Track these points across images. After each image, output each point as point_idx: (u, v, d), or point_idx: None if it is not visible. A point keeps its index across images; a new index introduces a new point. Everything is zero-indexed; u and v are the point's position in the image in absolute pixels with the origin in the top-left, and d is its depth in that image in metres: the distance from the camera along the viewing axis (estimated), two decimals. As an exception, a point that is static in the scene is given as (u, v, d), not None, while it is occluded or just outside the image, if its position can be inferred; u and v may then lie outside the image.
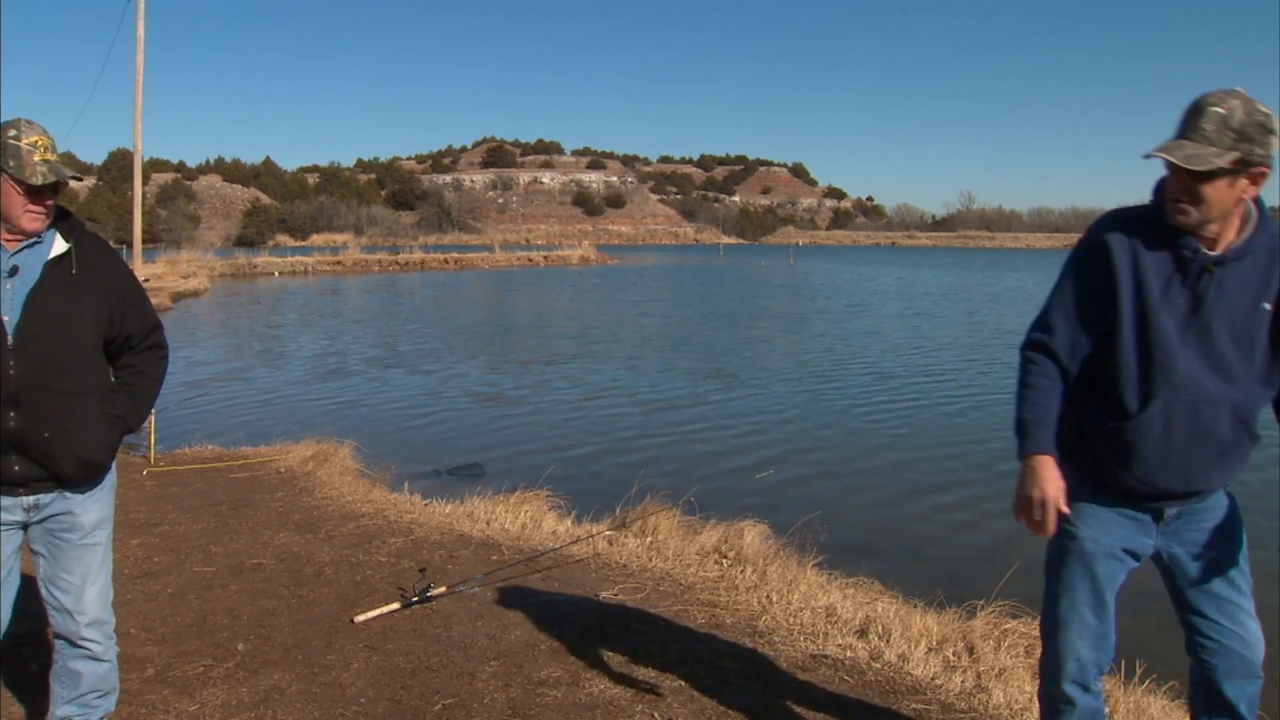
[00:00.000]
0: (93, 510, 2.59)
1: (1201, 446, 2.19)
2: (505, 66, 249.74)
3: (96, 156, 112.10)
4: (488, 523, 5.75)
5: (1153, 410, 2.19)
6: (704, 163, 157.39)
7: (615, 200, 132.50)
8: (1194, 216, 2.10)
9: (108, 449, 2.58)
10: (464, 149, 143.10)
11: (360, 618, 4.02)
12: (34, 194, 2.39)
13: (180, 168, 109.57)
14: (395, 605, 4.12)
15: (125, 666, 3.55)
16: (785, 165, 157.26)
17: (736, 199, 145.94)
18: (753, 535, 5.31)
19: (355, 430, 9.23)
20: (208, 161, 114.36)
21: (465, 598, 4.29)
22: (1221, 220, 2.10)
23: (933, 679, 3.50)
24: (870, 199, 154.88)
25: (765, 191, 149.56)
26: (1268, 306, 2.11)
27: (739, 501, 6.85)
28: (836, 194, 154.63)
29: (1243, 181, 2.07)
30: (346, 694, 3.36)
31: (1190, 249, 2.13)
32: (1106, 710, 2.45)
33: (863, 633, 3.94)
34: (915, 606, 4.38)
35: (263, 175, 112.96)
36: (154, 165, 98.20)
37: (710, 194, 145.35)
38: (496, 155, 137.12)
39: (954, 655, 3.74)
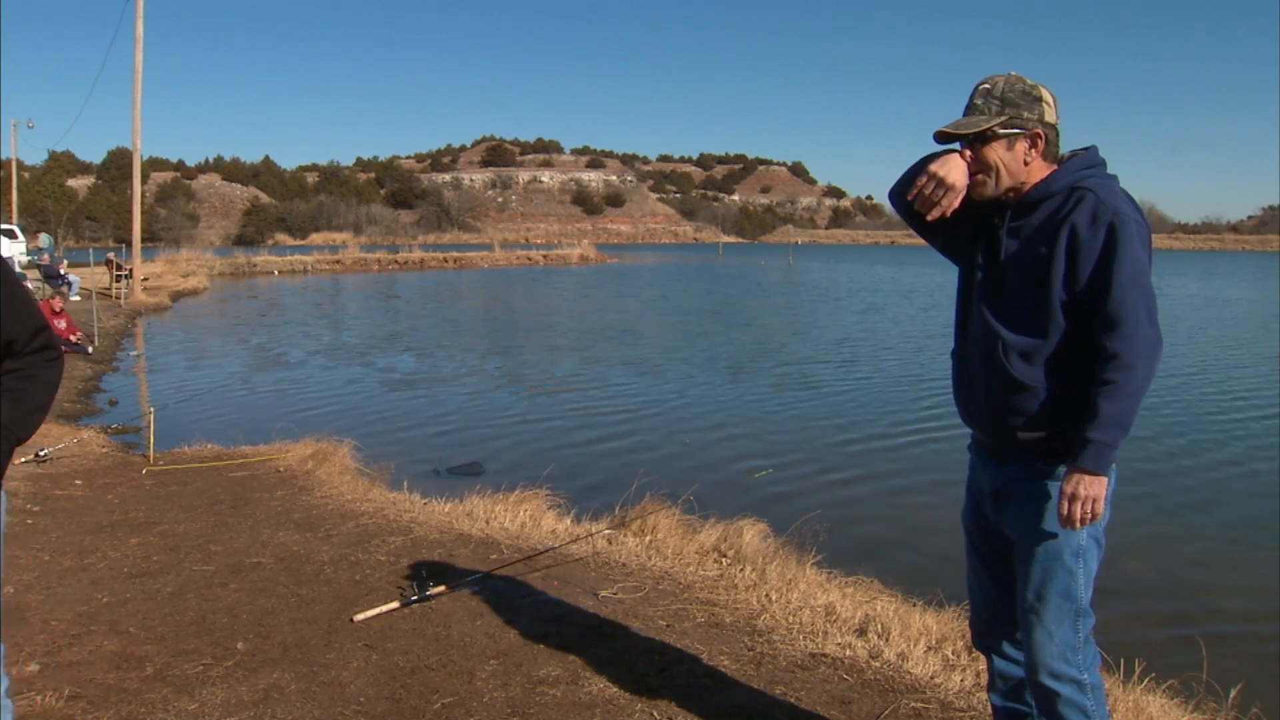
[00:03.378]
0: None
1: (988, 388, 2.34)
2: (505, 66, 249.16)
3: (96, 156, 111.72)
4: (487, 521, 5.75)
5: (960, 354, 2.48)
6: (703, 161, 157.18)
7: (615, 199, 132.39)
8: (989, 185, 2.33)
9: None
10: (463, 148, 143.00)
11: (360, 617, 4.02)
12: None
13: (179, 166, 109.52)
14: (394, 604, 4.13)
15: (125, 665, 3.56)
16: (785, 164, 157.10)
17: (736, 198, 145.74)
18: (752, 534, 5.31)
19: (354, 429, 9.24)
20: (207, 160, 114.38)
21: (464, 597, 4.29)
22: (1015, 185, 2.32)
23: (932, 678, 3.50)
24: (870, 198, 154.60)
25: (765, 190, 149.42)
26: (1044, 250, 2.24)
27: (738, 500, 6.85)
28: (836, 193, 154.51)
29: (1021, 144, 2.29)
30: (346, 693, 3.36)
31: (999, 212, 2.38)
32: (1108, 707, 2.43)
33: (862, 631, 3.95)
34: (914, 605, 4.39)
35: (262, 174, 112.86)
36: (153, 164, 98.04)
37: (710, 193, 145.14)
38: (496, 154, 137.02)
39: (953, 654, 3.74)
